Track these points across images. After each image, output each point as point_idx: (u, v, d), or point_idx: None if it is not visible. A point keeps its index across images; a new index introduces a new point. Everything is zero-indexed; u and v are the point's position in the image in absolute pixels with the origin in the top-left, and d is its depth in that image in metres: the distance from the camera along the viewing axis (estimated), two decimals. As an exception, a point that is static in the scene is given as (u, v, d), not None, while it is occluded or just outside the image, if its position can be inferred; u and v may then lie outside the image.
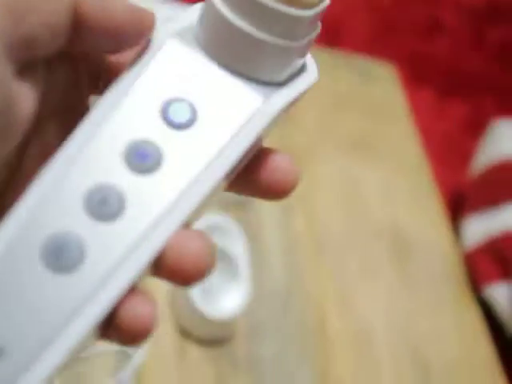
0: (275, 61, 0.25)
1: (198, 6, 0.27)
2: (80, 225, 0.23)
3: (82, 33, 0.24)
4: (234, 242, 0.71)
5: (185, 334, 0.68)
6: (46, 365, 0.22)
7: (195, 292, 0.65)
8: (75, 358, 0.24)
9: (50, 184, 0.23)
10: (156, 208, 0.23)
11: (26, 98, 0.23)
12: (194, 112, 0.25)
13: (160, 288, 0.70)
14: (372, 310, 0.80)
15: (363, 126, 1.05)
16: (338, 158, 0.97)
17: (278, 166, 0.27)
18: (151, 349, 0.65)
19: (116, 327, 0.22)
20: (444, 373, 0.78)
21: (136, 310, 0.22)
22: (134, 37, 0.25)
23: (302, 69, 0.27)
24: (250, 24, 0.24)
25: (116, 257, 0.23)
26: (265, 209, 0.84)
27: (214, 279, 0.69)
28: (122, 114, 0.24)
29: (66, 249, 0.22)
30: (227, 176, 0.25)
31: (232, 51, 0.25)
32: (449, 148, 1.24)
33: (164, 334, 0.67)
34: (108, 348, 0.64)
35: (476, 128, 1.22)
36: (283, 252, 0.80)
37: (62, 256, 0.22)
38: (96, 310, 0.22)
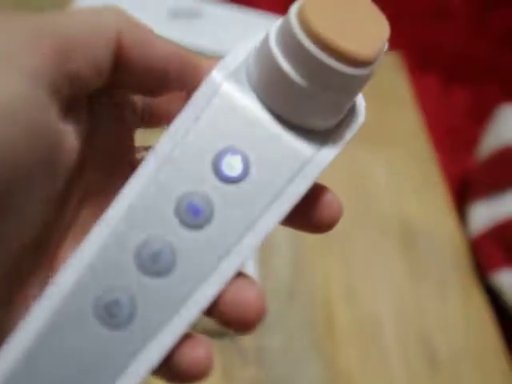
0: (329, 113, 0.25)
1: (250, 45, 0.26)
2: (131, 280, 0.23)
3: (123, 71, 0.23)
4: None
5: (192, 325, 0.67)
6: None
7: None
8: None
9: (101, 239, 0.23)
10: (207, 263, 0.23)
11: (70, 136, 0.23)
12: (246, 165, 0.24)
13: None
14: (379, 300, 0.80)
15: (369, 114, 1.03)
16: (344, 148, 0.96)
17: (329, 203, 0.28)
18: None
19: (173, 371, 0.23)
20: (452, 361, 0.78)
21: (193, 355, 0.23)
22: (175, 81, 0.24)
23: (353, 109, 0.27)
24: (307, 79, 0.24)
25: (169, 312, 0.23)
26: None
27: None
28: (174, 166, 0.23)
29: (118, 306, 0.22)
30: (276, 225, 0.25)
31: (286, 102, 0.24)
32: (454, 134, 1.23)
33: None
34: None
35: (481, 114, 1.22)
36: (290, 243, 0.80)
37: (115, 313, 0.22)
38: (152, 358, 0.23)
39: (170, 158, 0.23)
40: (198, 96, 0.24)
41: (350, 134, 0.27)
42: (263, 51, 0.24)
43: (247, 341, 0.69)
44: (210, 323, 0.67)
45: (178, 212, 0.23)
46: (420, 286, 0.84)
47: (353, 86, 0.25)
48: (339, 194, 0.97)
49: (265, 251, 0.77)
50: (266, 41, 0.25)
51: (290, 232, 0.81)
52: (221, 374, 0.66)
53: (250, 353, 0.68)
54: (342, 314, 0.76)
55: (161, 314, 0.23)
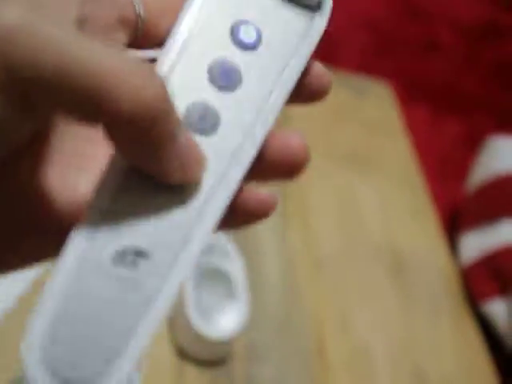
0: None
1: None
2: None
3: None
4: (232, 262, 0.71)
5: (182, 354, 0.67)
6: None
7: (193, 312, 0.64)
8: None
9: None
10: (248, 115, 0.26)
11: None
12: (259, 34, 0.27)
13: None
14: (371, 328, 0.80)
15: (359, 144, 1.05)
16: (334, 176, 0.97)
17: (318, 73, 0.28)
18: (149, 370, 0.65)
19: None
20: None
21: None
22: None
23: None
24: None
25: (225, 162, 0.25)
26: (262, 227, 0.84)
27: (211, 299, 0.69)
28: (198, 38, 0.26)
29: None
30: (295, 84, 0.27)
31: None
32: (444, 164, 1.24)
33: (161, 355, 0.67)
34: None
35: (471, 144, 1.23)
36: (281, 272, 0.80)
37: None
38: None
39: (193, 32, 0.26)
40: None
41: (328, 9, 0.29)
42: None
43: (238, 370, 0.69)
44: (203, 354, 0.67)
45: (212, 78, 0.26)
46: (411, 314, 0.84)
47: None
48: (330, 222, 0.98)
49: (256, 280, 0.77)
50: None
51: (281, 261, 0.81)
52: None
53: (241, 381, 0.68)
54: (334, 342, 0.76)
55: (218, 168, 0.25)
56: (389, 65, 1.37)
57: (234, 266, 0.70)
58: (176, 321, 0.67)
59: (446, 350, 0.82)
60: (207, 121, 0.25)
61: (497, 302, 0.88)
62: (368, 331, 0.79)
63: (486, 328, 0.89)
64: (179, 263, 0.23)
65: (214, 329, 0.65)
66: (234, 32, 0.27)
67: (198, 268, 0.69)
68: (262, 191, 0.25)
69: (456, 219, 1.04)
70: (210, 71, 0.26)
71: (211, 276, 0.70)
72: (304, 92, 0.28)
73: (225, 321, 0.68)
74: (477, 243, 0.95)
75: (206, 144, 0.25)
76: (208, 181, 0.24)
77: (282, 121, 1.10)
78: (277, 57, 0.27)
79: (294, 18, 0.28)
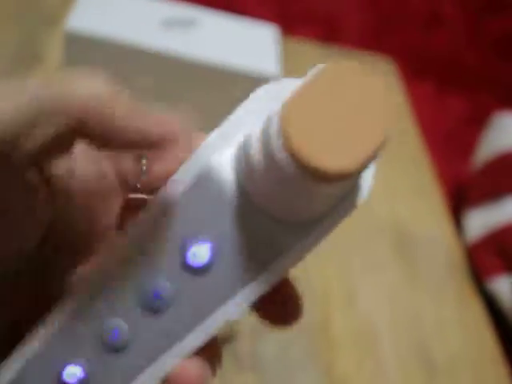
0: (310, 212, 0.24)
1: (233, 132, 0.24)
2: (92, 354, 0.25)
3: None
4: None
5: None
6: None
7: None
8: None
9: (67, 316, 0.25)
10: (159, 346, 0.24)
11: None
12: (215, 254, 0.24)
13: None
14: (376, 306, 0.80)
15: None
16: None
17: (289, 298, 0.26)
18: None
19: None
20: (449, 367, 0.78)
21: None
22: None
23: (354, 189, 0.24)
24: (284, 189, 0.22)
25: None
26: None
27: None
28: (147, 253, 0.24)
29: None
30: (235, 317, 0.25)
31: (268, 199, 0.23)
32: (449, 141, 1.24)
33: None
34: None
35: (476, 121, 1.22)
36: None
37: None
38: None
39: (143, 247, 0.24)
40: (182, 173, 0.24)
41: (335, 221, 0.25)
42: (248, 148, 0.23)
43: (243, 347, 0.69)
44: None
45: (140, 299, 0.24)
46: (416, 291, 0.84)
47: (332, 198, 0.23)
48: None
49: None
50: (249, 139, 0.23)
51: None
52: (217, 380, 0.66)
53: (246, 359, 0.68)
54: (339, 320, 0.76)
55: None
56: (392, 41, 1.36)
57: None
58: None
59: (452, 327, 0.82)
60: (117, 341, 0.25)
61: (502, 279, 0.88)
62: (373, 308, 0.79)
63: (492, 305, 0.89)
64: None
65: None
66: (183, 251, 0.24)
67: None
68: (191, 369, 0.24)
69: (461, 196, 1.04)
70: (142, 293, 0.24)
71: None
72: (273, 316, 0.26)
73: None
74: (482, 220, 0.95)
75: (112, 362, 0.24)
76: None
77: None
78: (229, 280, 0.24)
79: (278, 233, 0.24)
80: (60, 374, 0.24)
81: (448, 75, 1.38)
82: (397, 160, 1.00)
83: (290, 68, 1.03)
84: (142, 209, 0.24)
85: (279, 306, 0.25)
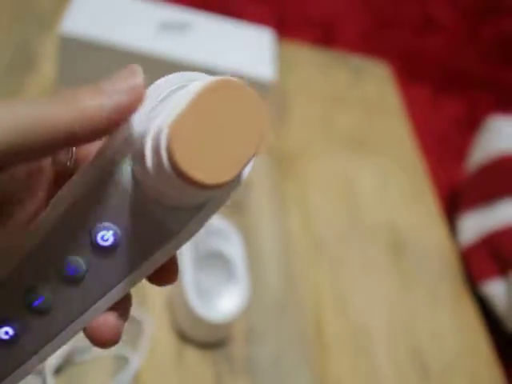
0: (189, 202, 0.28)
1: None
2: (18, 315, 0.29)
3: None
4: (231, 245, 0.71)
5: (182, 337, 0.67)
6: None
7: (193, 295, 0.64)
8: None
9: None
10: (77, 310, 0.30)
11: None
12: (119, 237, 0.28)
13: (158, 293, 0.70)
14: (369, 311, 0.80)
15: (358, 124, 1.05)
16: (333, 157, 0.97)
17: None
18: (149, 352, 0.65)
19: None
20: (443, 371, 0.78)
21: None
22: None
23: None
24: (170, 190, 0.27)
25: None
26: (261, 210, 0.84)
27: (211, 282, 0.69)
28: (59, 231, 0.29)
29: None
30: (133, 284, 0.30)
31: (157, 193, 0.28)
32: (444, 144, 1.24)
33: (162, 338, 0.67)
34: (105, 352, 0.63)
35: (470, 124, 1.23)
36: (280, 254, 0.80)
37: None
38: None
39: (55, 225, 0.29)
40: (85, 169, 0.28)
41: (213, 209, 0.29)
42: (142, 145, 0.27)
43: (238, 351, 0.69)
44: (202, 336, 0.67)
45: (58, 271, 0.29)
46: (410, 295, 0.84)
47: (210, 196, 0.28)
48: (329, 203, 0.98)
49: (256, 262, 0.78)
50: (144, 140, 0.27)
51: (280, 243, 0.82)
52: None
53: (241, 363, 0.68)
54: (333, 324, 0.76)
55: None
56: (387, 44, 1.37)
57: (233, 249, 0.70)
58: (175, 304, 0.68)
59: (445, 331, 0.82)
60: (41, 306, 0.29)
61: (496, 282, 0.88)
62: (367, 312, 0.79)
63: (486, 309, 0.90)
64: None
65: (213, 312, 0.65)
66: (92, 233, 0.28)
67: (197, 251, 0.69)
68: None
69: (455, 200, 1.04)
70: (59, 263, 0.29)
71: (210, 259, 0.70)
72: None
73: (224, 304, 0.68)
74: (476, 224, 0.95)
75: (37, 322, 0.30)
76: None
77: (280, 92, 1.08)
78: (132, 258, 0.29)
79: (168, 218, 0.28)
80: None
81: (443, 79, 1.38)
82: (391, 164, 1.00)
83: (286, 71, 1.04)
84: (62, 187, 0.29)
85: (164, 274, 0.31)
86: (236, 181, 0.28)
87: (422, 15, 1.50)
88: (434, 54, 1.43)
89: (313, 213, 0.87)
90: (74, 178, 0.28)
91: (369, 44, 1.34)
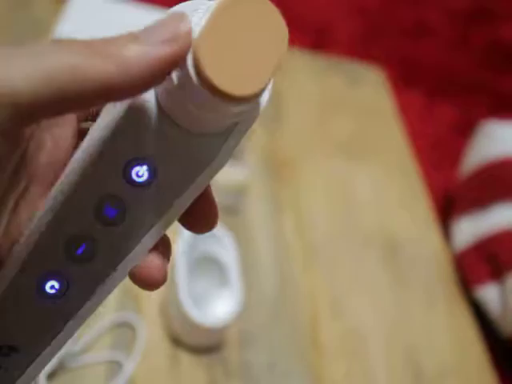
0: (219, 124, 0.28)
1: None
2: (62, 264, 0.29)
3: None
4: (226, 249, 0.71)
5: (177, 341, 0.67)
6: None
7: (187, 300, 0.64)
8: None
9: (37, 231, 0.28)
10: (124, 248, 0.29)
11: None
12: (153, 171, 0.28)
13: (151, 297, 0.70)
14: (364, 313, 0.80)
15: (352, 130, 1.05)
16: (328, 161, 0.97)
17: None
18: (143, 357, 0.65)
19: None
20: (437, 374, 0.78)
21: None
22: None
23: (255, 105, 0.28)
24: (200, 108, 0.26)
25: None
26: (256, 215, 0.84)
27: (205, 286, 0.69)
28: (91, 174, 0.28)
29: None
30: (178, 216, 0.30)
31: (186, 118, 0.27)
32: (438, 149, 1.24)
33: (156, 342, 0.67)
34: (99, 358, 0.63)
35: (465, 129, 1.23)
36: (274, 258, 0.80)
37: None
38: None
39: (86, 168, 0.28)
40: (109, 109, 0.27)
41: (242, 133, 0.29)
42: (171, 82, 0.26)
43: (232, 356, 0.69)
44: (197, 341, 0.67)
45: (97, 213, 0.28)
46: (405, 299, 0.84)
47: (239, 114, 0.27)
48: (323, 209, 0.98)
49: (250, 267, 0.77)
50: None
51: (275, 248, 0.81)
52: (205, 391, 0.66)
53: (235, 367, 0.68)
54: (328, 327, 0.76)
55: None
56: (381, 50, 1.37)
57: (228, 253, 0.70)
58: (169, 308, 0.67)
59: (440, 335, 0.82)
60: (85, 252, 0.29)
61: (490, 286, 0.89)
62: (361, 316, 0.80)
63: (479, 313, 0.90)
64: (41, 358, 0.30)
65: (207, 316, 0.65)
66: (126, 170, 0.28)
67: (191, 255, 0.69)
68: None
69: (449, 204, 1.05)
70: (97, 206, 0.28)
71: (205, 264, 0.70)
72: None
73: (218, 308, 0.68)
74: (470, 228, 0.96)
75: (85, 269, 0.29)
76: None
77: (274, 98, 1.08)
78: (168, 191, 0.29)
79: (199, 147, 0.28)
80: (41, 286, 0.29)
81: (437, 84, 1.38)
82: (385, 168, 1.00)
83: (280, 76, 1.04)
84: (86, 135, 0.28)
85: (200, 215, 0.30)
86: (261, 100, 0.28)
87: (416, 21, 1.50)
88: (428, 59, 1.43)
89: (307, 218, 0.87)
90: (99, 120, 0.28)
91: (363, 49, 1.34)
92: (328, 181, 0.94)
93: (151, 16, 0.82)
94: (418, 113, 1.30)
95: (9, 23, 0.92)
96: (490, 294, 0.88)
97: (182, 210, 0.29)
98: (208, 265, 0.70)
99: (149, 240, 0.29)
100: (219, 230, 0.72)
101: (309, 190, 0.91)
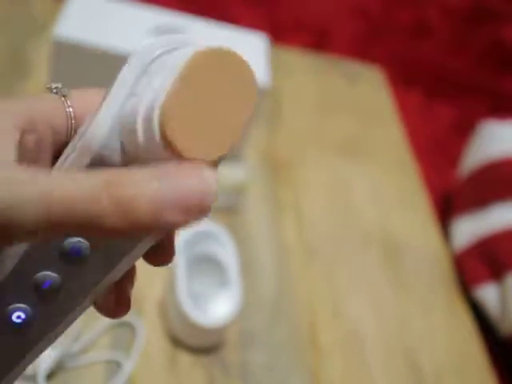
0: None
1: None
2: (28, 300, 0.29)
3: None
4: (225, 249, 0.71)
5: (176, 341, 0.67)
6: None
7: (186, 300, 0.64)
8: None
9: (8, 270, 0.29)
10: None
11: None
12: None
13: (150, 297, 0.70)
14: (363, 314, 0.80)
15: (351, 130, 1.05)
16: (327, 162, 0.97)
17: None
18: (142, 357, 0.65)
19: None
20: (436, 374, 0.78)
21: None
22: None
23: None
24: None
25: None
26: (255, 215, 0.84)
27: (204, 287, 0.69)
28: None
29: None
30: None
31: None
32: (437, 149, 1.24)
33: (155, 343, 0.67)
34: (98, 357, 0.63)
35: (463, 129, 1.23)
36: (273, 259, 0.80)
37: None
38: None
39: None
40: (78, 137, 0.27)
41: None
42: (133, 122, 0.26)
43: (231, 356, 0.69)
44: (196, 341, 0.67)
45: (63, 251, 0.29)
46: (404, 300, 0.84)
47: None
48: (322, 209, 0.98)
49: (249, 267, 0.77)
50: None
51: (274, 248, 0.81)
52: (205, 391, 0.66)
53: (234, 368, 0.68)
54: (327, 328, 0.76)
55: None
56: (380, 50, 1.37)
57: (227, 253, 0.70)
58: (168, 309, 0.67)
59: (439, 335, 0.82)
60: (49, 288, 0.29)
61: (489, 286, 0.89)
62: (360, 317, 0.79)
63: (479, 313, 0.90)
64: None
65: (206, 317, 0.65)
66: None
67: (190, 256, 0.69)
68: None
69: (449, 204, 1.05)
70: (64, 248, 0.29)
71: (204, 264, 0.69)
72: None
73: (218, 308, 0.68)
74: (469, 228, 0.96)
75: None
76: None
77: (273, 97, 1.08)
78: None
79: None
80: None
81: (436, 84, 1.38)
82: (384, 169, 1.00)
83: (279, 76, 1.04)
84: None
85: (161, 254, 0.31)
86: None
87: (416, 21, 1.50)
88: (427, 59, 1.43)
89: (307, 218, 0.87)
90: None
91: (362, 49, 1.35)
92: (327, 180, 0.94)
93: (149, 16, 0.82)
94: (418, 113, 1.30)
95: (7, 24, 0.92)
96: (489, 293, 0.88)
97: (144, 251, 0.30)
98: (207, 265, 0.69)
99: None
100: (219, 230, 0.72)
101: (308, 190, 0.91)
